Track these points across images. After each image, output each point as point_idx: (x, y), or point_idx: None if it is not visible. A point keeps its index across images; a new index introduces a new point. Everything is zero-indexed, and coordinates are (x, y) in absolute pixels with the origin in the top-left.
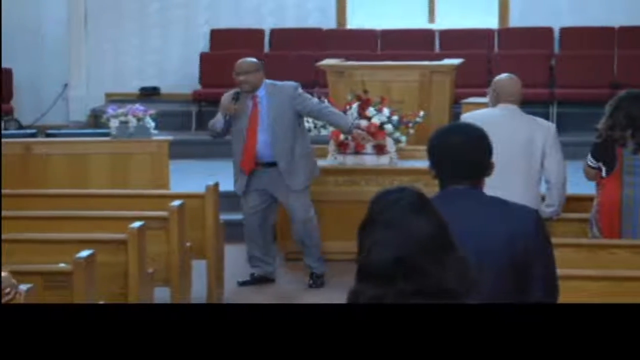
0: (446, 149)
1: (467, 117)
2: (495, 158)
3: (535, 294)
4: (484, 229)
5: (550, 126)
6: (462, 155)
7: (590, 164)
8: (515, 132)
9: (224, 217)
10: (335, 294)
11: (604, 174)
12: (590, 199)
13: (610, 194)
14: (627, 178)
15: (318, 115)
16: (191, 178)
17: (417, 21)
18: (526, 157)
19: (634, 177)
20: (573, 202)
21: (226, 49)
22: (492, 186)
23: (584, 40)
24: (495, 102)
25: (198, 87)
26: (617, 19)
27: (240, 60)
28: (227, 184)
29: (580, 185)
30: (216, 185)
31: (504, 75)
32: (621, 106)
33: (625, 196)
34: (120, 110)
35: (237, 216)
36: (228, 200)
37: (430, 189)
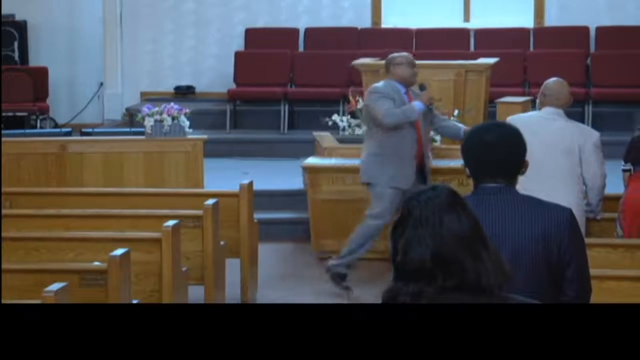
0: (480, 147)
1: (513, 119)
2: (537, 162)
3: (568, 293)
4: (518, 227)
5: (593, 133)
6: (496, 153)
7: (623, 167)
8: (558, 137)
9: (258, 215)
10: (367, 292)
11: (632, 172)
12: (619, 198)
13: (633, 193)
14: None
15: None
16: (226, 176)
17: (452, 20)
18: (567, 161)
19: None
20: (608, 202)
21: (261, 47)
22: (533, 189)
23: (620, 39)
24: (541, 105)
25: (233, 85)
26: None
27: (407, 54)
28: (262, 183)
29: (617, 184)
30: (250, 183)
31: (552, 79)
32: None
33: None
34: (155, 109)
35: (271, 215)
36: (262, 199)
37: (465, 188)
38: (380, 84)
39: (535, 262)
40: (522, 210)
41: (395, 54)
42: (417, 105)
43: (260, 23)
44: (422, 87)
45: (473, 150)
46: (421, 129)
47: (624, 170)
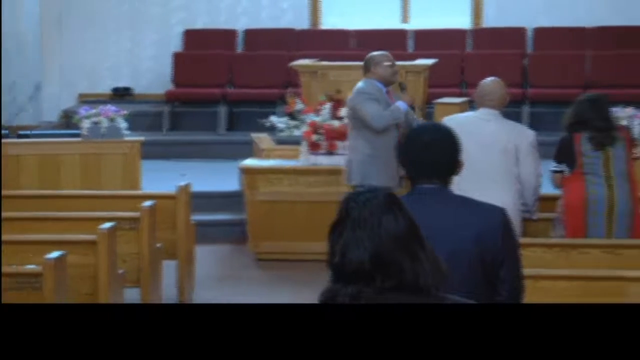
0: (416, 148)
1: (449, 120)
2: (473, 162)
3: (502, 293)
4: (454, 227)
5: (528, 133)
6: (432, 154)
7: (554, 168)
8: (494, 137)
9: (195, 217)
10: (306, 294)
11: (566, 174)
12: (556, 198)
13: (574, 194)
14: (589, 177)
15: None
16: (163, 178)
17: (391, 21)
18: (503, 161)
19: (595, 176)
20: (544, 202)
21: (199, 49)
22: (470, 189)
23: (557, 40)
24: (478, 106)
25: (171, 87)
26: (589, 20)
27: (386, 52)
28: (199, 184)
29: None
30: (188, 185)
31: (488, 79)
32: (576, 108)
33: (589, 195)
34: (92, 111)
35: (208, 216)
36: (200, 201)
37: (405, 190)
38: (363, 84)
39: (471, 262)
40: (458, 210)
41: (375, 53)
42: (402, 105)
43: (198, 24)
44: (402, 87)
45: (409, 151)
46: (401, 128)
47: (555, 171)
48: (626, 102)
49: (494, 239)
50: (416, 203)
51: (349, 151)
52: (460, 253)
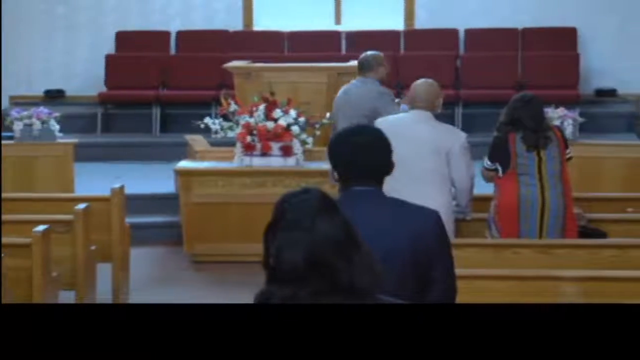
0: (348, 150)
1: (380, 122)
2: (406, 163)
3: (433, 294)
4: (387, 229)
5: (460, 135)
6: (363, 156)
7: (487, 166)
8: (426, 139)
9: (130, 220)
10: (240, 295)
11: (500, 174)
12: (489, 199)
13: (508, 195)
14: (523, 178)
15: None
16: (97, 181)
17: (324, 22)
18: (436, 163)
19: (529, 177)
20: (478, 203)
21: (132, 51)
22: (403, 191)
23: (489, 41)
24: (411, 107)
25: (104, 89)
26: (521, 21)
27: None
28: (134, 187)
29: (486, 185)
30: (122, 188)
31: (421, 81)
32: (509, 108)
33: (522, 196)
34: (25, 113)
35: (143, 219)
36: (134, 203)
37: (336, 189)
38: (376, 85)
39: (404, 263)
40: (391, 212)
41: (376, 53)
42: (404, 108)
43: (131, 26)
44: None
45: (341, 153)
46: None
47: (488, 169)
48: (557, 103)
49: (427, 240)
50: (350, 205)
51: None
52: (394, 254)
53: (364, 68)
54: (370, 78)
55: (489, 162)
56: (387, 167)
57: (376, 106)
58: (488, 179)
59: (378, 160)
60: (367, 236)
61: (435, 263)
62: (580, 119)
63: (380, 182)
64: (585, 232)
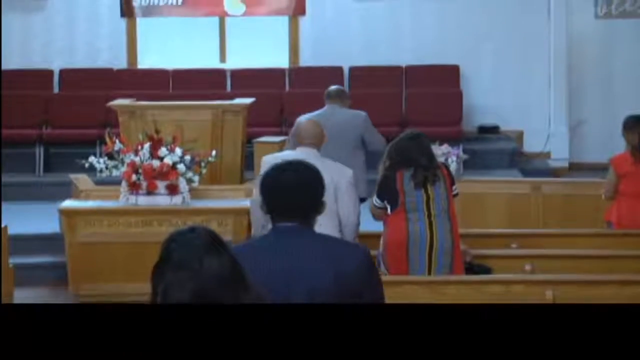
0: (278, 187)
1: (268, 159)
2: None
3: None
4: (314, 266)
5: (347, 171)
6: (293, 193)
7: (376, 204)
8: None
9: (13, 260)
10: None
11: (389, 211)
12: (378, 236)
13: (397, 231)
14: (411, 215)
15: None
16: None
17: (209, 60)
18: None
19: (417, 213)
20: (362, 240)
21: (14, 89)
22: None
23: (373, 79)
24: (294, 145)
25: None
26: (405, 58)
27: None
28: (17, 227)
29: (370, 222)
30: (5, 228)
31: (304, 118)
32: (398, 146)
33: (411, 233)
34: None
35: (27, 259)
36: (18, 243)
37: (224, 228)
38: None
39: (330, 300)
40: (318, 249)
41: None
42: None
43: (13, 64)
44: None
45: (271, 190)
46: None
47: (377, 207)
48: (441, 140)
49: (353, 279)
50: (277, 241)
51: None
52: (319, 292)
53: (340, 99)
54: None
55: (377, 200)
56: (315, 205)
57: (366, 129)
58: (377, 217)
59: (305, 198)
60: (292, 273)
61: (363, 299)
62: (464, 156)
63: (308, 220)
64: (471, 268)
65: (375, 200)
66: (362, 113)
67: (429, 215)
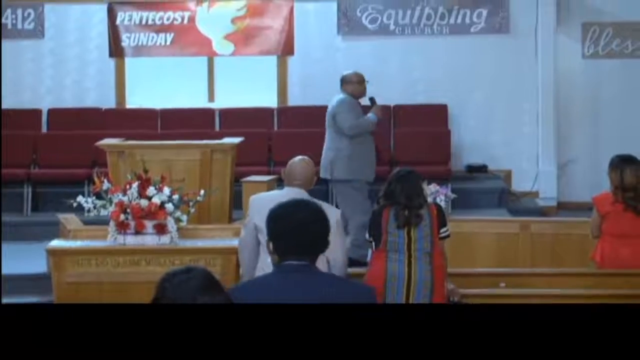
0: (288, 223)
1: (256, 198)
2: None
3: None
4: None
5: (334, 211)
6: (303, 231)
7: (367, 237)
8: None
9: (2, 301)
10: None
11: (373, 247)
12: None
13: (376, 269)
14: (392, 254)
15: None
16: None
17: (197, 100)
18: None
19: (398, 253)
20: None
21: (2, 129)
22: None
23: None
24: (285, 184)
25: None
26: (392, 98)
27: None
28: (5, 267)
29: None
30: None
31: (296, 159)
32: (388, 183)
33: (389, 271)
34: None
35: (15, 299)
36: (6, 284)
37: (211, 267)
38: (341, 96)
39: None
40: (326, 288)
41: (346, 73)
42: (372, 117)
43: (4, 104)
44: (372, 101)
45: (282, 228)
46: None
47: (368, 241)
48: (430, 179)
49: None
50: (285, 279)
51: (329, 151)
52: None
53: (341, 82)
54: (344, 93)
55: (367, 235)
56: (322, 242)
57: (335, 113)
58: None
59: (317, 237)
60: None
61: None
62: (452, 195)
63: (314, 258)
64: None
65: (367, 234)
66: (342, 96)
67: (409, 257)
